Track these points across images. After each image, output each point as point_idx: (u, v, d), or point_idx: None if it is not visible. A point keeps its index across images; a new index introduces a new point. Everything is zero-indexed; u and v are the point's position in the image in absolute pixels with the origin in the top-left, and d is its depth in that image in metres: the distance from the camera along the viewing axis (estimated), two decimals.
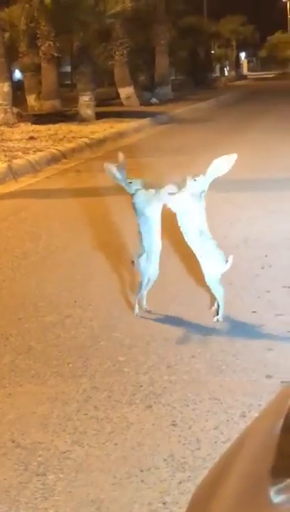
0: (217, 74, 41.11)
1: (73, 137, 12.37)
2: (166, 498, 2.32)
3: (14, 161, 9.46)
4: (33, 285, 4.64)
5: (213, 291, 3.84)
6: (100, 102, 17.61)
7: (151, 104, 20.45)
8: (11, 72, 17.87)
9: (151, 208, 3.78)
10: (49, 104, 18.65)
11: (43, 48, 18.09)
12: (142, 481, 2.42)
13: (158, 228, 3.86)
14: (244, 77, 45.22)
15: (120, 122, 14.94)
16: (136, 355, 3.45)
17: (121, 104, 19.81)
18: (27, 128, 13.63)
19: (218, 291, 3.81)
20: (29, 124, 14.24)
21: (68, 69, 28.11)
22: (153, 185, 3.95)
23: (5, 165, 9.16)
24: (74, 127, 13.97)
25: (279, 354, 3.37)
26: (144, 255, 3.85)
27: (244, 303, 4.08)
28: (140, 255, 3.86)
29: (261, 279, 4.51)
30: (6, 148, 10.70)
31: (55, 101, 18.78)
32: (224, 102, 23.09)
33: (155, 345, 3.57)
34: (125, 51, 20.03)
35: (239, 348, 3.46)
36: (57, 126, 14.10)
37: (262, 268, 4.72)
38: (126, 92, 20.26)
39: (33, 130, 13.28)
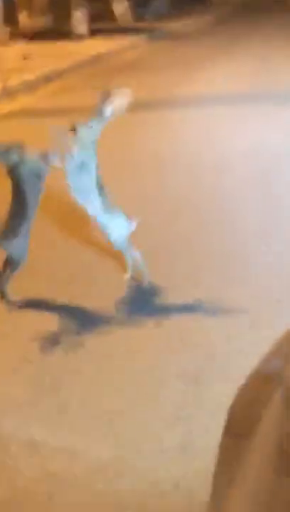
0: None
1: (69, 54, 12.09)
2: None
3: (9, 81, 9.26)
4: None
5: (125, 253, 3.40)
6: (93, 17, 17.09)
7: (145, 20, 19.90)
8: None
9: (39, 177, 3.11)
10: (41, 21, 18.16)
11: None
12: None
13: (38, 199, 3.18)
14: None
15: (115, 39, 14.57)
16: None
17: (116, 20, 19.27)
18: (21, 47, 13.31)
19: (130, 253, 3.38)
20: (22, 42, 13.88)
21: None
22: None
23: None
24: (69, 45, 13.63)
25: None
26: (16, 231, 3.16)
27: None
28: (7, 231, 3.19)
29: None
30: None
31: (47, 17, 18.27)
32: (222, 15, 22.47)
33: None
34: None
35: None
36: (51, 43, 13.76)
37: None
38: (120, 7, 19.68)
39: (27, 48, 12.96)
